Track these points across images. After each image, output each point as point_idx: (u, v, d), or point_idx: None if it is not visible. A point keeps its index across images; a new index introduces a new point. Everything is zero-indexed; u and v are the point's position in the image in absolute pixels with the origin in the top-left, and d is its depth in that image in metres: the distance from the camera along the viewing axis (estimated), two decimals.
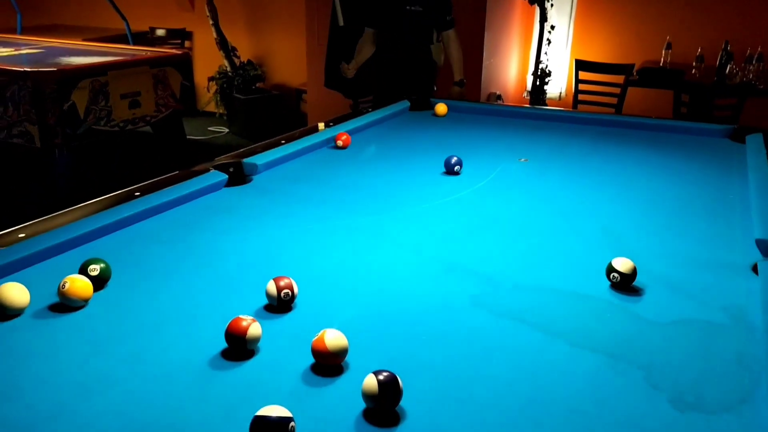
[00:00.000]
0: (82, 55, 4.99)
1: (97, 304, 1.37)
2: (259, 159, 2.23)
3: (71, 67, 4.36)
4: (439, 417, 1.05)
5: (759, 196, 1.94)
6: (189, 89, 5.10)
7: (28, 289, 1.33)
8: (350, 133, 2.74)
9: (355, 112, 3.09)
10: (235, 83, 6.41)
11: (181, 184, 1.97)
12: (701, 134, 2.88)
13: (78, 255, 1.54)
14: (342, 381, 1.14)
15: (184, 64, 5.05)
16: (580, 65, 5.34)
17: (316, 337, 1.16)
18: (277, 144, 2.43)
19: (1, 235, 1.56)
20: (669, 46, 5.42)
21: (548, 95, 5.81)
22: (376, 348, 1.24)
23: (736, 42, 5.20)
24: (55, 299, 1.35)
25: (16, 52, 5.02)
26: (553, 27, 5.72)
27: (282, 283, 1.35)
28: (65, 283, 1.33)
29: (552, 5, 5.50)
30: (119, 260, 1.53)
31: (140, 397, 1.08)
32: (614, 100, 5.20)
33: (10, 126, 4.17)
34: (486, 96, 5.49)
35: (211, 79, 6.68)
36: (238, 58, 6.60)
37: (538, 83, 5.55)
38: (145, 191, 1.89)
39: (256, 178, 2.18)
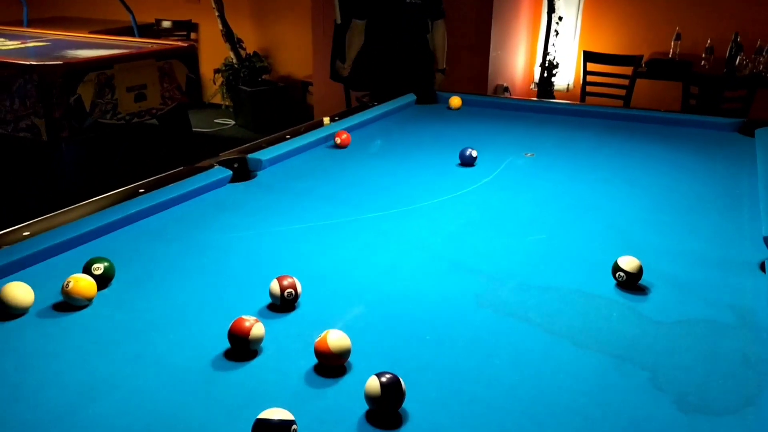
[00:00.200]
0: (88, 47, 4.99)
1: (101, 303, 1.37)
2: (263, 154, 2.22)
3: (77, 61, 4.36)
4: (441, 418, 1.05)
5: (767, 192, 1.93)
6: (195, 82, 5.09)
7: (33, 288, 1.33)
8: (355, 127, 2.73)
9: (361, 106, 3.08)
10: (241, 75, 6.40)
11: (185, 180, 1.97)
12: (710, 128, 2.86)
13: (82, 253, 1.54)
14: (345, 382, 1.14)
15: (190, 57, 5.04)
16: (588, 57, 5.30)
17: (319, 338, 1.16)
18: (282, 139, 2.42)
19: (5, 233, 1.56)
20: (678, 38, 5.36)
21: (556, 87, 5.77)
22: (380, 348, 1.24)
23: (746, 33, 5.14)
24: (60, 298, 1.35)
25: (23, 45, 5.03)
26: (560, 18, 5.68)
27: (285, 283, 1.35)
28: (69, 282, 1.33)
29: None
30: (123, 258, 1.53)
31: (144, 398, 1.09)
32: (622, 92, 5.16)
33: (17, 119, 4.18)
34: (493, 88, 5.47)
35: (217, 71, 6.67)
36: (244, 49, 6.58)
37: (545, 75, 5.52)
38: (150, 188, 1.89)
39: (260, 173, 2.18)
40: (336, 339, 1.15)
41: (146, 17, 6.93)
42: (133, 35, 6.21)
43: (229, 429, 1.02)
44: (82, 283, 1.34)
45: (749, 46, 5.10)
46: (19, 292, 1.30)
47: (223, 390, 1.11)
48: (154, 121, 4.92)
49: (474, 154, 2.32)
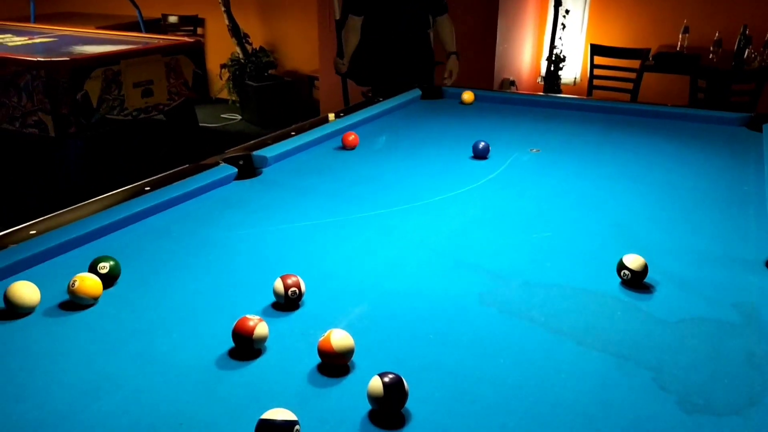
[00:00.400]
0: (94, 43, 5.00)
1: (107, 302, 1.38)
2: (268, 151, 2.23)
3: (84, 57, 4.38)
4: (444, 418, 1.05)
5: None
6: (201, 77, 5.10)
7: (39, 287, 1.34)
8: (360, 123, 2.73)
9: (366, 102, 3.08)
10: (248, 70, 6.41)
11: (190, 178, 1.97)
12: (717, 123, 2.84)
13: (88, 251, 1.56)
14: (348, 381, 1.14)
15: (196, 52, 5.05)
16: (595, 50, 5.28)
17: (322, 338, 1.17)
18: (287, 136, 2.42)
19: (12, 232, 1.57)
20: (686, 30, 5.33)
21: (563, 81, 5.75)
22: (383, 347, 1.24)
23: (755, 26, 5.11)
24: (66, 297, 1.36)
25: (30, 41, 5.04)
26: (567, 11, 5.65)
27: (289, 281, 1.35)
28: (75, 281, 1.34)
29: None
30: (129, 257, 1.54)
31: (148, 397, 1.09)
32: (630, 86, 5.14)
33: (24, 115, 4.20)
34: (500, 82, 5.45)
35: (223, 66, 6.68)
36: (251, 44, 6.58)
37: (552, 69, 5.50)
38: (155, 186, 1.89)
39: (265, 170, 2.18)
40: (339, 338, 1.15)
41: (153, 12, 6.95)
42: (139, 30, 6.22)
43: (232, 428, 1.02)
44: (88, 282, 1.35)
45: (758, 38, 5.07)
46: (26, 291, 1.31)
47: (227, 389, 1.12)
48: (161, 116, 4.94)
49: (486, 146, 2.35)
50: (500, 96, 3.38)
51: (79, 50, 4.69)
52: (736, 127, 2.78)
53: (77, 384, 1.12)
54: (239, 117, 6.75)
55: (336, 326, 1.22)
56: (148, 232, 1.72)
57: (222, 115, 6.80)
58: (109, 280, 1.42)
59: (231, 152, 2.21)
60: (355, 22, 3.65)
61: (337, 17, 3.86)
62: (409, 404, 1.06)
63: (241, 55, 6.47)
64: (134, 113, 4.56)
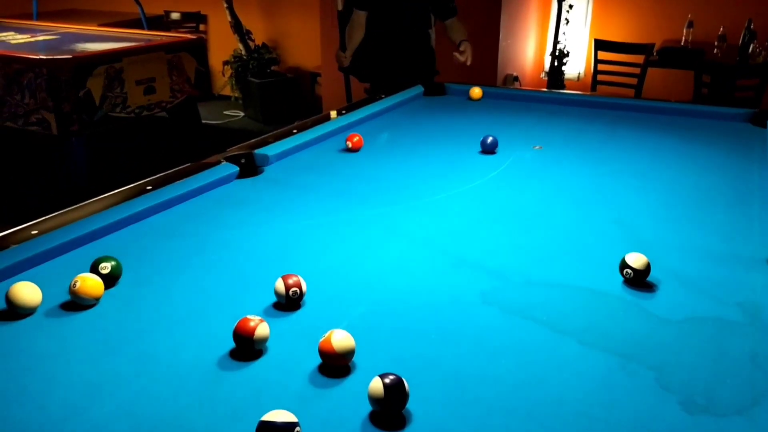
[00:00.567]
0: (97, 41, 5.00)
1: (108, 303, 1.38)
2: (270, 150, 2.22)
3: (86, 54, 4.37)
4: (446, 419, 1.05)
5: None
6: (203, 74, 5.09)
7: (40, 288, 1.34)
8: (363, 120, 2.73)
9: (368, 99, 3.07)
10: (250, 67, 6.40)
11: (192, 177, 1.97)
12: (721, 118, 2.83)
13: (90, 251, 1.55)
14: (349, 382, 1.14)
15: (199, 50, 5.04)
16: (599, 45, 5.26)
17: (323, 338, 1.16)
18: (289, 134, 2.42)
19: (14, 232, 1.57)
20: (690, 25, 5.31)
21: (566, 76, 5.73)
22: (384, 347, 1.24)
23: (760, 20, 5.08)
24: (67, 297, 1.36)
25: (33, 39, 5.05)
26: (571, 6, 5.63)
27: (290, 281, 1.35)
28: (76, 282, 1.34)
29: None
30: (131, 256, 1.54)
31: (149, 398, 1.09)
32: (634, 81, 5.12)
33: (27, 113, 4.20)
34: (503, 78, 5.43)
35: (226, 63, 6.68)
36: (253, 41, 6.58)
37: (556, 64, 5.48)
38: (157, 185, 1.89)
39: (267, 169, 2.18)
40: (340, 339, 1.15)
41: (155, 9, 6.94)
42: (142, 28, 6.22)
43: (233, 430, 1.02)
44: (90, 283, 1.34)
45: (763, 33, 5.04)
46: (27, 292, 1.31)
47: (228, 390, 1.11)
48: (163, 114, 4.94)
49: (494, 148, 2.37)
50: (503, 92, 3.36)
51: (82, 48, 4.69)
52: (740, 122, 2.77)
53: (79, 385, 1.12)
54: (242, 114, 6.75)
55: (337, 326, 1.21)
56: (149, 232, 1.72)
57: (225, 112, 6.80)
58: (110, 280, 1.42)
59: (233, 151, 2.21)
60: (360, 17, 3.61)
61: (339, 8, 3.84)
62: (411, 405, 1.06)
63: (243, 52, 6.46)
64: (137, 111, 4.56)
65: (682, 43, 5.35)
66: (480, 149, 2.40)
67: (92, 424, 1.03)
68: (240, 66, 6.47)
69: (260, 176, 2.13)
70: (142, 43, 4.86)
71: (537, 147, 2.48)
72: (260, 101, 6.41)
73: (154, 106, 4.71)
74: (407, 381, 1.06)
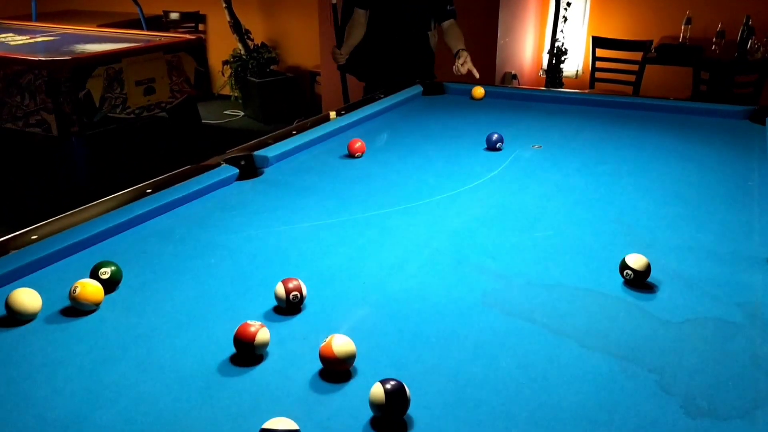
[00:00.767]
0: (96, 41, 5.00)
1: (108, 308, 1.37)
2: (270, 151, 2.22)
3: (86, 56, 4.37)
4: (447, 424, 1.05)
5: None
6: (203, 74, 5.09)
7: (40, 293, 1.34)
8: (362, 120, 2.72)
9: (368, 99, 3.06)
10: (250, 66, 6.40)
11: (192, 179, 1.97)
12: (720, 116, 2.82)
13: (90, 256, 1.55)
14: (350, 387, 1.14)
15: (198, 50, 5.04)
16: (597, 42, 5.26)
17: (324, 343, 1.16)
18: (288, 135, 2.42)
19: (13, 237, 1.57)
20: (688, 22, 5.30)
21: (565, 74, 5.73)
22: (385, 351, 1.24)
23: (758, 16, 5.07)
24: (67, 303, 1.36)
25: (32, 40, 5.04)
26: (569, 3, 5.62)
27: (290, 285, 1.35)
28: (76, 287, 1.34)
29: None
30: (130, 260, 1.54)
31: (150, 404, 1.09)
32: (632, 78, 5.11)
33: (27, 115, 4.21)
34: (501, 76, 5.43)
35: (225, 62, 6.67)
36: (252, 41, 6.57)
37: (554, 62, 5.47)
38: (157, 188, 1.89)
39: (267, 170, 2.18)
40: (341, 344, 1.15)
41: (154, 9, 6.93)
42: (141, 28, 6.21)
43: None
44: (89, 288, 1.34)
45: (761, 29, 5.03)
46: (27, 298, 1.31)
47: (228, 396, 1.11)
48: (163, 114, 4.94)
49: (499, 145, 2.41)
50: (502, 91, 3.36)
51: (81, 49, 4.69)
52: (739, 120, 2.76)
53: (79, 392, 1.12)
54: (242, 113, 6.75)
55: (338, 330, 1.22)
56: (149, 236, 1.72)
57: (224, 112, 6.80)
58: (110, 285, 1.42)
59: (232, 152, 2.20)
60: (361, 15, 3.59)
61: (334, 1, 3.82)
62: (412, 410, 1.06)
63: (242, 52, 6.46)
64: (137, 111, 4.56)
65: (680, 40, 5.34)
66: (485, 146, 2.43)
67: (93, 431, 1.03)
68: (239, 66, 6.47)
69: (260, 178, 2.13)
70: (141, 44, 4.86)
71: (536, 146, 2.48)
72: (260, 101, 6.40)
73: (153, 106, 4.71)
74: (408, 386, 1.06)
